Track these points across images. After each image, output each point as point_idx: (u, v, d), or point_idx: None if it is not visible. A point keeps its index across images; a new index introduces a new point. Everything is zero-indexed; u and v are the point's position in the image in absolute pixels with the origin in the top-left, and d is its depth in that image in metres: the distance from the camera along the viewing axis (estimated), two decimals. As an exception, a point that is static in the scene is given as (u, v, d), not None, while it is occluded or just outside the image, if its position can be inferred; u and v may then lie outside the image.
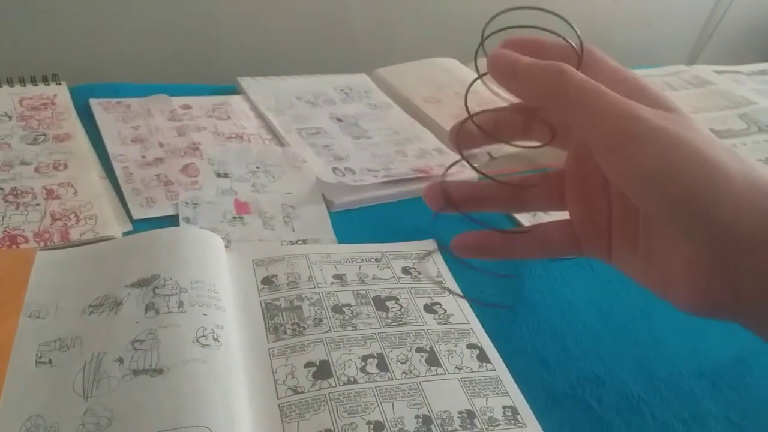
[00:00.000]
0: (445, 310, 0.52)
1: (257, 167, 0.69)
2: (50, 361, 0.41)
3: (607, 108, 0.34)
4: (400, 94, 0.90)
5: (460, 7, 1.23)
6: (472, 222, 0.66)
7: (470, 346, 0.49)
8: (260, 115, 0.79)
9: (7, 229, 0.52)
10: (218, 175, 0.66)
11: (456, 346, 0.48)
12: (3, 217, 0.53)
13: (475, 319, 0.52)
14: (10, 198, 0.56)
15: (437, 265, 0.57)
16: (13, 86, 0.70)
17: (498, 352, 0.49)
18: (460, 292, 0.54)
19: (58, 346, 0.42)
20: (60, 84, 0.72)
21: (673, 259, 0.36)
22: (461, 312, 0.52)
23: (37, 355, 0.41)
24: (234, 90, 0.84)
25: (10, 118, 0.66)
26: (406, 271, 0.55)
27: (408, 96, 0.89)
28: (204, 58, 0.96)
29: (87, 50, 0.88)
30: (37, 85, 0.71)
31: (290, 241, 0.59)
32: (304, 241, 0.60)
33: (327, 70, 0.93)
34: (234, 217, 0.61)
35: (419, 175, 0.70)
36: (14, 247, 0.51)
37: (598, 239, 0.42)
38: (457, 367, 0.46)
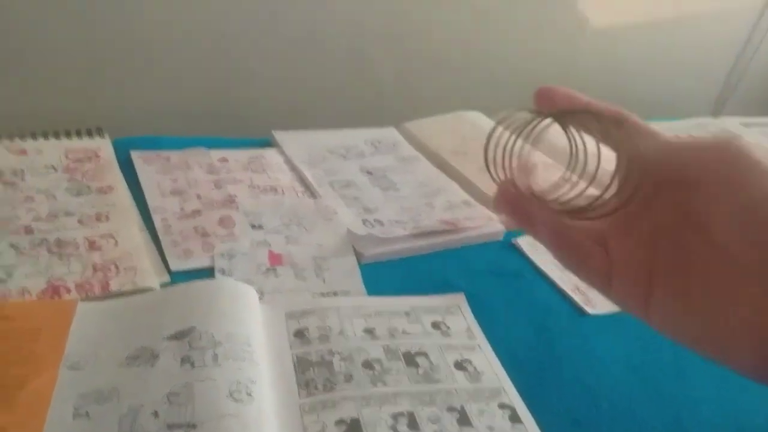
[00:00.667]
0: (476, 368, 0.52)
1: (290, 219, 0.70)
2: (87, 414, 0.42)
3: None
4: (428, 147, 0.91)
5: (483, 61, 1.26)
6: (498, 277, 0.66)
7: (502, 405, 0.48)
8: (294, 168, 0.81)
9: (51, 280, 0.54)
10: (253, 227, 0.67)
11: (488, 405, 0.48)
12: (47, 268, 0.55)
13: (506, 376, 0.52)
14: (54, 249, 0.58)
15: (467, 321, 0.57)
16: (60, 139, 0.74)
17: (529, 411, 0.49)
18: (491, 349, 0.54)
19: (95, 398, 0.43)
20: (103, 137, 0.76)
21: (742, 316, 0.32)
22: (492, 369, 0.52)
23: (74, 407, 0.42)
24: (268, 143, 0.86)
25: (57, 170, 0.69)
26: (435, 325, 0.56)
27: (435, 149, 0.91)
28: (239, 113, 1.00)
29: (129, 104, 0.92)
30: (82, 138, 0.75)
31: (321, 293, 0.60)
32: (335, 293, 0.60)
33: (356, 124, 0.95)
34: (268, 269, 0.62)
35: (447, 227, 0.71)
36: (56, 297, 0.53)
37: (634, 286, 0.36)
38: (489, 428, 0.46)
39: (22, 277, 0.54)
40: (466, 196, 0.79)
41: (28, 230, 0.59)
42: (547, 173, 0.49)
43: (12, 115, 0.85)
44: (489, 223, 0.73)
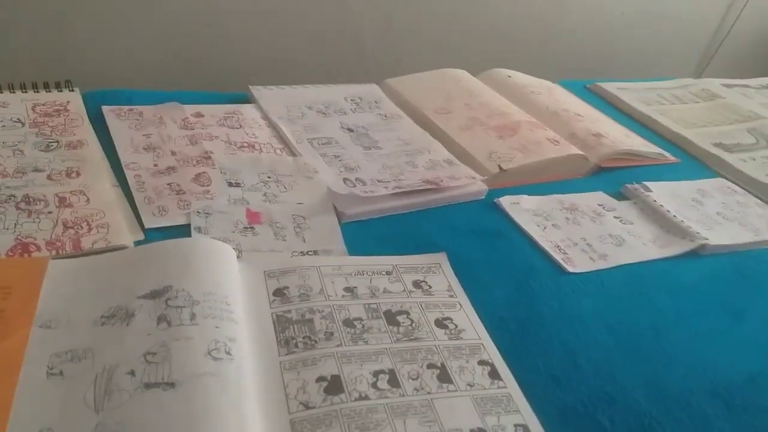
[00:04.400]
0: (456, 326, 0.51)
1: (269, 177, 0.69)
2: (61, 373, 0.41)
3: None
4: (411, 105, 0.90)
5: (467, 18, 1.23)
6: (480, 236, 0.66)
7: (482, 362, 0.48)
8: (272, 125, 0.79)
9: (19, 237, 0.52)
10: (230, 184, 0.66)
11: (467, 362, 0.48)
12: (15, 225, 0.53)
13: (487, 334, 0.51)
14: (23, 205, 0.56)
15: (448, 279, 0.57)
16: (26, 92, 0.71)
17: (509, 368, 0.49)
18: (471, 307, 0.54)
19: (69, 358, 0.42)
20: (73, 90, 0.73)
21: None
22: (472, 327, 0.52)
23: (48, 366, 0.41)
24: (245, 98, 0.84)
25: (23, 124, 0.66)
26: (417, 284, 0.55)
27: (418, 107, 0.89)
28: (215, 66, 0.96)
29: (99, 56, 0.88)
30: (50, 91, 0.72)
31: (301, 252, 0.59)
32: (315, 252, 0.60)
33: (336, 79, 0.93)
34: (246, 227, 0.61)
35: (430, 186, 0.70)
36: (26, 255, 0.51)
37: None
38: (468, 384, 0.46)
39: (-10, 235, 0.52)
40: (449, 155, 0.78)
41: (-4, 187, 0.57)
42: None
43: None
44: (472, 183, 0.72)
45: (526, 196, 0.73)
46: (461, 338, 0.50)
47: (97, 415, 0.38)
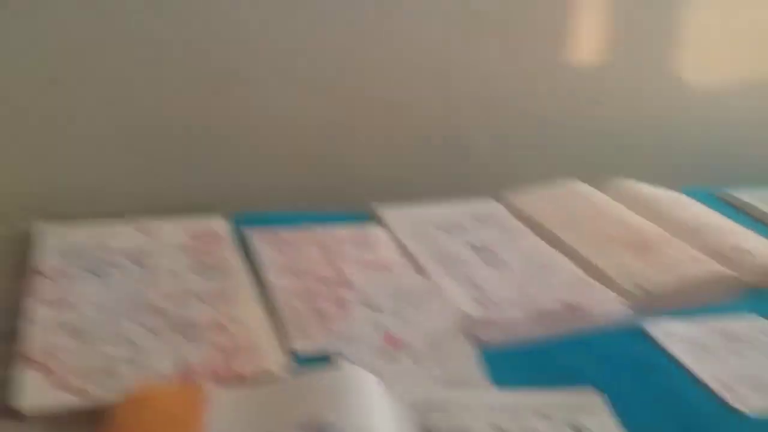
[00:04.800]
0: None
1: (402, 299, 0.69)
2: None
3: None
4: (534, 220, 0.89)
5: (581, 127, 1.24)
6: (629, 368, 0.62)
7: None
8: (399, 244, 0.81)
9: (180, 362, 0.55)
10: (366, 306, 0.67)
11: None
12: (176, 350, 0.57)
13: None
14: (181, 330, 0.59)
15: (607, 422, 0.53)
16: (181, 219, 0.77)
17: None
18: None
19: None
20: (221, 215, 0.79)
21: None
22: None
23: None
24: (371, 217, 0.87)
25: (180, 250, 0.72)
26: (572, 425, 0.52)
27: (542, 222, 0.88)
28: (338, 186, 1.02)
29: (243, 181, 0.96)
30: (201, 218, 0.78)
31: (440, 381, 0.58)
32: (455, 382, 0.59)
33: (451, 193, 0.95)
34: (385, 353, 0.61)
35: (567, 309, 0.68)
36: (187, 381, 0.53)
37: None
38: None
39: (155, 359, 0.55)
40: (582, 274, 0.76)
41: (158, 310, 0.61)
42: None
43: (136, 194, 0.91)
44: (613, 306, 0.70)
45: (675, 323, 0.69)
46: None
47: None
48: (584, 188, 0.98)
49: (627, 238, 0.83)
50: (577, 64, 1.18)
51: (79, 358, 0.54)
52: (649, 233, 0.84)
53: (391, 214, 0.87)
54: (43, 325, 0.57)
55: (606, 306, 0.69)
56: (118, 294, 0.63)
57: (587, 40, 1.17)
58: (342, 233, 0.81)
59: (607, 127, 1.25)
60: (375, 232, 0.83)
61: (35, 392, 0.49)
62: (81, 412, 0.49)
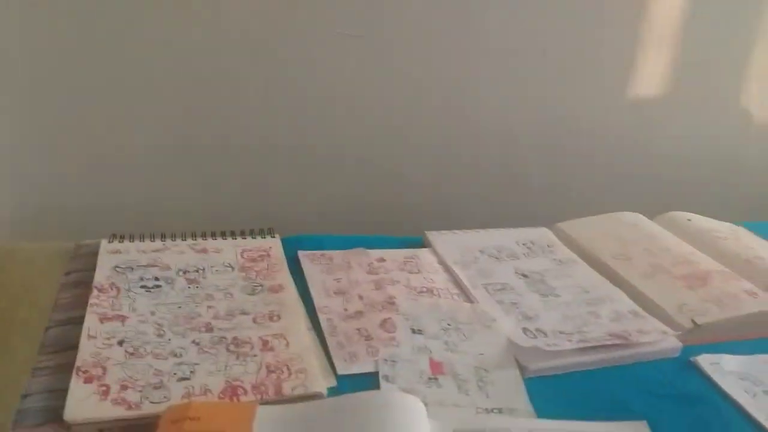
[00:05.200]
0: None
1: (448, 324, 0.69)
2: None
3: None
4: (585, 250, 0.88)
5: (637, 159, 1.22)
6: (678, 401, 0.60)
7: None
8: (447, 269, 0.81)
9: (229, 380, 0.56)
10: (413, 331, 0.67)
11: None
12: (225, 367, 0.58)
13: None
14: (232, 348, 0.61)
15: (654, 455, 0.52)
16: (236, 239, 0.79)
17: None
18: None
19: None
20: (274, 237, 0.81)
21: None
22: None
23: None
24: (421, 242, 0.87)
25: (233, 269, 0.74)
26: (618, 458, 0.51)
27: (594, 252, 0.87)
28: (394, 212, 1.03)
29: (295, 205, 0.99)
30: (255, 238, 0.80)
31: (486, 409, 0.58)
32: (500, 410, 0.58)
33: (506, 224, 0.94)
34: (430, 378, 0.61)
35: (617, 341, 0.66)
36: (235, 398, 0.55)
37: None
38: None
39: (204, 375, 0.57)
40: (633, 306, 0.74)
41: (209, 328, 0.63)
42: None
43: (192, 212, 0.94)
44: (663, 338, 0.68)
45: (727, 356, 0.67)
46: None
47: None
48: (639, 219, 0.96)
49: (681, 271, 0.80)
50: (641, 98, 1.17)
51: (129, 371, 0.56)
52: (703, 266, 0.82)
53: (441, 239, 0.88)
54: (96, 338, 0.59)
55: (656, 338, 0.67)
56: (171, 310, 0.65)
57: (652, 74, 1.16)
58: (391, 257, 0.81)
59: (669, 161, 1.22)
60: (424, 256, 0.83)
61: (84, 404, 0.51)
62: (128, 425, 0.51)
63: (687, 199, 1.10)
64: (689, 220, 0.97)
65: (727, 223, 0.97)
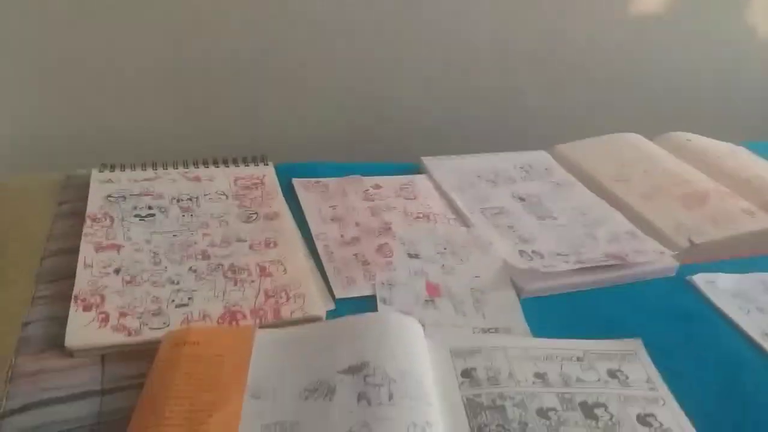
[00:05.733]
0: (662, 424, 0.47)
1: (445, 248, 0.69)
2: (272, 445, 0.43)
3: None
4: (584, 172, 0.87)
5: (639, 79, 1.19)
6: (673, 319, 0.61)
7: (694, 469, 0.44)
8: (444, 195, 0.80)
9: (227, 306, 0.57)
10: (410, 255, 0.67)
11: (678, 467, 0.44)
12: (224, 293, 0.58)
13: (696, 436, 0.47)
14: (229, 274, 0.61)
15: (646, 370, 0.53)
16: (228, 166, 0.78)
17: (726, 477, 0.44)
18: (675, 403, 0.50)
19: (278, 431, 0.44)
20: (267, 164, 0.79)
21: None
22: (680, 427, 0.47)
23: (260, 437, 0.43)
24: (418, 169, 0.86)
25: (227, 197, 0.73)
26: (612, 373, 0.52)
27: (593, 174, 0.86)
28: (389, 139, 1.01)
29: (287, 131, 0.97)
30: (248, 165, 0.79)
31: (482, 329, 0.59)
32: (496, 330, 0.59)
33: (505, 148, 0.93)
34: (426, 300, 0.62)
35: (614, 262, 0.66)
36: (234, 323, 0.55)
37: None
38: (682, 494, 0.42)
39: (202, 301, 0.57)
40: (630, 227, 0.74)
41: (205, 255, 0.63)
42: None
43: (185, 140, 0.92)
44: (660, 258, 0.68)
45: (722, 275, 0.67)
46: (668, 439, 0.46)
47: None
48: (638, 140, 0.95)
49: (679, 191, 0.80)
50: (641, 13, 1.12)
51: (127, 298, 0.56)
52: (702, 185, 0.81)
53: (438, 164, 0.86)
54: (92, 267, 0.59)
55: (652, 258, 0.68)
56: (166, 238, 0.64)
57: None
58: (387, 184, 0.80)
59: (669, 79, 1.19)
60: (421, 182, 0.82)
61: (85, 330, 0.52)
62: (128, 351, 0.51)
63: (687, 119, 1.08)
64: (689, 140, 0.96)
65: (727, 143, 0.96)
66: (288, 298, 0.58)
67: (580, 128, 0.98)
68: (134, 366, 0.49)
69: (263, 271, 0.61)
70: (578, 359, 0.53)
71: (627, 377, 0.52)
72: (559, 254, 0.69)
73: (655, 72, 1.18)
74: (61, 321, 0.52)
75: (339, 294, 0.61)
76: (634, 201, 0.79)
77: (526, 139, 0.96)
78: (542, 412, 0.47)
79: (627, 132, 0.97)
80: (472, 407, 0.48)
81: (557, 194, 0.82)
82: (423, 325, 0.57)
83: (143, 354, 0.50)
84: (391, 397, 0.45)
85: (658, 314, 0.61)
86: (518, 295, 0.63)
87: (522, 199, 0.81)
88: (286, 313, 0.56)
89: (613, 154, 0.90)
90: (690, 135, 0.97)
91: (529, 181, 0.86)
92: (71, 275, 0.57)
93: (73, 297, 0.54)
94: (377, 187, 0.79)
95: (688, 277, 0.66)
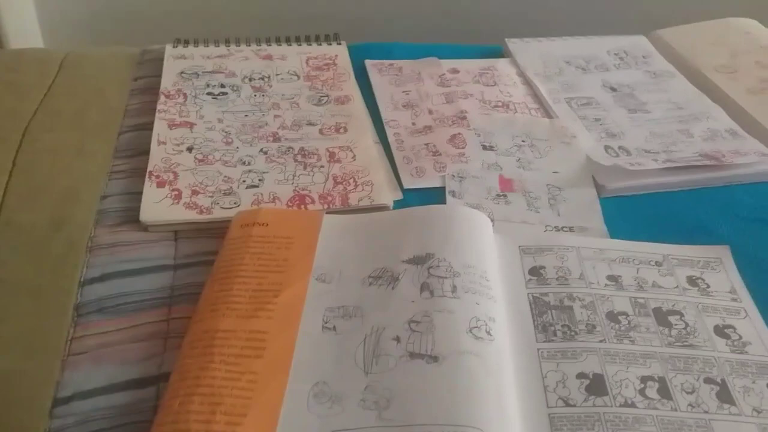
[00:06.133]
0: (740, 336, 0.45)
1: (523, 141, 0.66)
2: (334, 328, 0.43)
3: None
4: (686, 61, 0.79)
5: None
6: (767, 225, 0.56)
7: (772, 385, 0.42)
8: (527, 82, 0.75)
9: (297, 189, 0.57)
10: (484, 147, 0.64)
11: (754, 383, 0.42)
12: (293, 176, 0.58)
13: (779, 352, 0.44)
14: (299, 158, 0.60)
15: (731, 279, 0.49)
16: (300, 45, 0.75)
17: (806, 396, 0.42)
18: (759, 316, 0.46)
19: (341, 314, 0.44)
20: (340, 44, 0.76)
21: None
22: (761, 341, 0.45)
23: (323, 320, 0.44)
24: (501, 52, 0.80)
25: (299, 77, 0.71)
26: (692, 281, 0.49)
27: (695, 63, 0.78)
28: (471, 18, 0.94)
29: (363, 10, 0.91)
30: (320, 44, 0.76)
31: (555, 227, 0.56)
32: (571, 229, 0.56)
33: (597, 30, 0.84)
34: (498, 195, 0.59)
35: (708, 162, 0.61)
36: (303, 207, 0.55)
37: None
38: (755, 410, 0.40)
39: (272, 183, 0.57)
40: (733, 125, 0.67)
41: (276, 137, 0.62)
42: None
43: (258, 20, 0.90)
44: (762, 160, 0.62)
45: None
46: (746, 353, 0.44)
47: (366, 376, 0.40)
48: (752, 26, 0.84)
49: (797, 86, 0.71)
50: None
51: (200, 177, 0.57)
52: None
53: (523, 47, 0.80)
54: (166, 144, 0.60)
55: (753, 160, 0.61)
56: (238, 118, 0.64)
57: None
58: (466, 68, 0.76)
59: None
60: (503, 67, 0.77)
61: (158, 207, 0.53)
62: (200, 228, 0.52)
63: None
64: (816, 27, 0.84)
65: None
66: (356, 185, 0.57)
67: (687, 13, 0.88)
68: (206, 243, 0.51)
69: (332, 156, 0.60)
70: (657, 264, 0.50)
71: (708, 286, 0.49)
72: (648, 151, 0.64)
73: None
74: (137, 196, 0.53)
75: (407, 184, 0.59)
76: (739, 96, 0.71)
77: (623, 23, 0.86)
78: (612, 316, 0.46)
79: (741, 16, 0.86)
80: (538, 305, 0.46)
81: (653, 85, 0.75)
82: (492, 220, 0.55)
83: (215, 232, 0.51)
84: (454, 290, 0.44)
85: (752, 221, 0.56)
86: (599, 193, 0.59)
87: (613, 89, 0.74)
88: (353, 200, 0.56)
89: (721, 42, 0.80)
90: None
91: (624, 69, 0.78)
92: (146, 151, 0.58)
93: (147, 173, 0.56)
94: (454, 71, 0.75)
95: (789, 182, 0.60)
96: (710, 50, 0.79)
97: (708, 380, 0.42)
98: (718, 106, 0.70)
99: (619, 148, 0.65)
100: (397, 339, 0.42)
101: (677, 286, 0.48)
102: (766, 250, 0.53)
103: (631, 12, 1.01)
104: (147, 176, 0.55)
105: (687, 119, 0.69)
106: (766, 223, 0.56)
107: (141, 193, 0.54)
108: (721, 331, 0.45)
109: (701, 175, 0.61)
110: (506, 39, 0.81)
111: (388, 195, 0.57)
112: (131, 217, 0.52)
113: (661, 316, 0.46)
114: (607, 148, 0.65)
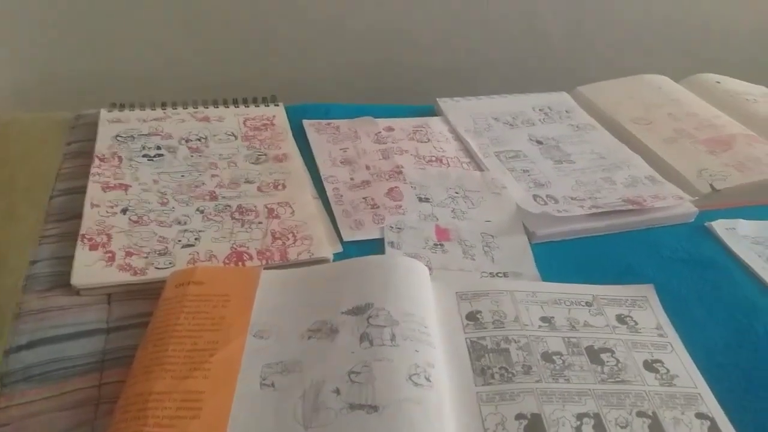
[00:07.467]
0: (668, 370, 0.47)
1: (456, 192, 0.68)
2: (273, 384, 0.43)
3: None
4: (605, 114, 0.84)
5: (664, 20, 1.13)
6: (689, 266, 0.59)
7: (699, 415, 0.43)
8: (458, 138, 0.78)
9: (234, 246, 0.57)
10: (420, 199, 0.66)
11: (683, 414, 0.43)
12: (231, 233, 0.58)
13: (704, 383, 0.46)
14: (237, 215, 0.60)
15: (656, 316, 0.52)
16: (238, 107, 0.77)
17: (732, 424, 0.43)
18: (684, 350, 0.49)
19: (279, 369, 0.44)
20: (278, 105, 0.78)
21: None
22: (687, 373, 0.47)
23: (261, 376, 0.43)
24: (432, 111, 0.84)
25: (236, 137, 0.72)
26: (621, 319, 0.51)
27: (614, 116, 0.83)
28: (404, 80, 0.98)
29: (298, 73, 0.94)
30: (258, 106, 0.77)
31: (490, 273, 0.58)
32: (505, 274, 0.58)
33: (523, 88, 0.90)
34: (435, 244, 0.61)
35: (631, 207, 0.64)
36: (240, 264, 0.55)
37: None
38: (685, 440, 0.41)
39: (209, 242, 0.57)
40: (651, 171, 0.72)
41: (213, 196, 0.63)
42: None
43: (195, 81, 0.91)
44: (679, 203, 0.66)
45: (743, 221, 0.65)
46: (674, 385, 0.46)
47: (306, 431, 0.39)
48: (664, 82, 0.91)
49: (704, 135, 0.77)
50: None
51: (134, 238, 0.56)
52: (728, 129, 0.78)
53: (453, 106, 0.84)
54: (99, 207, 0.59)
55: (671, 203, 0.65)
56: (174, 179, 0.64)
57: None
58: (400, 126, 0.78)
59: (699, 18, 1.13)
60: (435, 125, 0.80)
61: (91, 269, 0.52)
62: (134, 289, 0.51)
63: (718, 62, 1.03)
64: (718, 82, 0.91)
65: (760, 86, 0.92)
66: (295, 240, 0.58)
67: (604, 71, 0.94)
68: (140, 305, 0.50)
69: (271, 212, 0.61)
70: (587, 304, 0.52)
71: (636, 323, 0.51)
72: (574, 198, 0.67)
73: (684, 8, 1.12)
74: (68, 260, 0.52)
75: (347, 237, 0.60)
76: (655, 145, 0.76)
77: (546, 81, 0.92)
78: (547, 356, 0.47)
79: (653, 73, 0.93)
80: (476, 349, 0.47)
81: (577, 137, 0.79)
82: (430, 268, 0.56)
83: (149, 293, 0.50)
84: (393, 338, 0.44)
85: (674, 260, 0.60)
86: (530, 239, 0.62)
87: (540, 142, 0.78)
88: (293, 254, 0.56)
89: (636, 96, 0.87)
90: (720, 77, 0.93)
91: (549, 123, 0.83)
92: (79, 214, 0.57)
93: (80, 236, 0.55)
94: (389, 129, 0.77)
95: (707, 223, 0.64)
96: (627, 104, 0.85)
97: (640, 414, 0.43)
98: (637, 155, 0.75)
99: (547, 196, 0.68)
100: (337, 391, 0.41)
101: (607, 325, 0.50)
102: (687, 287, 0.56)
103: (554, 70, 1.07)
104: (79, 239, 0.54)
105: (609, 168, 0.73)
106: (686, 262, 0.60)
107: (73, 257, 0.52)
108: (650, 365, 0.47)
109: (625, 219, 0.64)
110: (437, 98, 0.84)
111: (327, 248, 0.57)
112: (62, 282, 0.50)
113: (594, 354, 0.47)
114: (535, 197, 0.68)
